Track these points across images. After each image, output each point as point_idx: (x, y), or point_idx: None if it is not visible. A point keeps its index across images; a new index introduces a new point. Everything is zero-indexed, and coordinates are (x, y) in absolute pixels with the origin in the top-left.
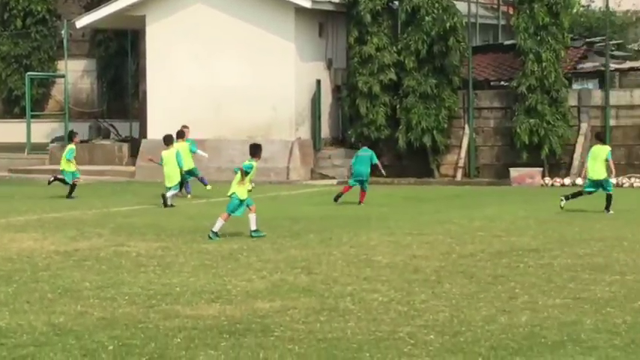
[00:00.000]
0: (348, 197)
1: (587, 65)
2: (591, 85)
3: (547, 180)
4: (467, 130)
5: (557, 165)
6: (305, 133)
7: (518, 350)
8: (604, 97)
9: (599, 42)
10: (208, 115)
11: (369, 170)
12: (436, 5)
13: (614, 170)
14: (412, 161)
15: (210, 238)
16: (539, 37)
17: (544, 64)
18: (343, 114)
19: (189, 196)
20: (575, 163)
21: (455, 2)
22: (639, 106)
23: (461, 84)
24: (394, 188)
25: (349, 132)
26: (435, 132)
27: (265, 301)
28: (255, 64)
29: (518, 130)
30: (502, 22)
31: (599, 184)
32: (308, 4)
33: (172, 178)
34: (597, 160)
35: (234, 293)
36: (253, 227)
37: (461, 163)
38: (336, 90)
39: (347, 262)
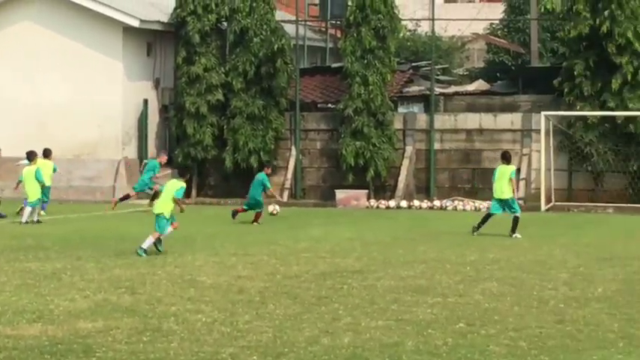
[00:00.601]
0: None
1: (413, 89)
2: (417, 108)
3: (372, 202)
4: (293, 152)
5: (383, 187)
6: (132, 152)
7: None
8: (429, 121)
9: (424, 66)
10: (33, 132)
11: (259, 192)
12: (264, 27)
13: (516, 190)
14: (239, 182)
15: (138, 254)
16: (365, 61)
17: (370, 87)
18: (170, 134)
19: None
20: (401, 185)
21: (283, 24)
22: (463, 130)
23: (288, 106)
24: (221, 209)
25: (176, 152)
26: (261, 153)
27: (88, 321)
28: (82, 82)
29: (344, 152)
30: (330, 44)
31: (504, 204)
32: (136, 24)
33: (31, 194)
34: (503, 180)
35: (57, 313)
36: (145, 246)
37: (287, 184)
38: (164, 110)
39: (171, 283)
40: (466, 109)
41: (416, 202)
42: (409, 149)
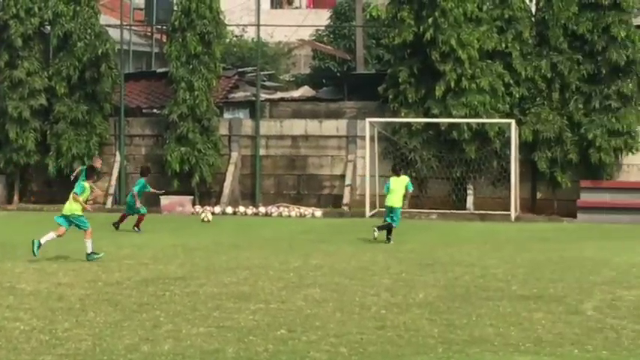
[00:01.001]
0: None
1: (239, 95)
2: (242, 114)
3: (197, 208)
4: (118, 157)
5: (208, 193)
6: None
7: None
8: (254, 127)
9: (250, 72)
10: None
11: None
12: (88, 31)
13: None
14: (62, 187)
15: (93, 259)
16: (191, 66)
17: (196, 92)
18: None
19: None
20: (226, 191)
21: (108, 29)
22: (289, 136)
23: (112, 111)
24: (43, 215)
25: None
26: (85, 159)
27: None
28: None
29: (169, 157)
30: (155, 49)
31: (390, 211)
32: None
33: None
34: (396, 193)
35: None
36: (89, 251)
37: (111, 190)
38: None
39: None
40: (292, 115)
41: (241, 209)
42: (235, 155)
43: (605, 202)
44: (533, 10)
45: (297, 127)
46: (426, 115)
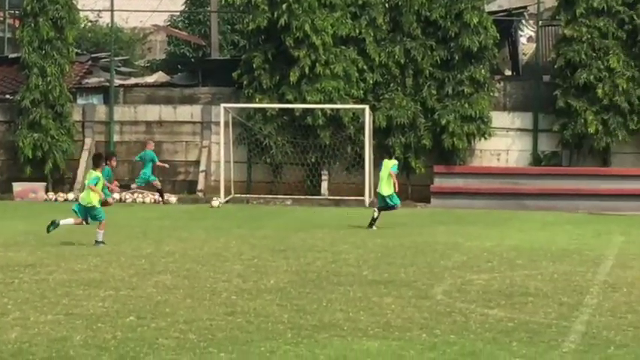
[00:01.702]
0: None
1: (93, 80)
2: (96, 100)
3: (51, 195)
4: None
5: (62, 180)
6: None
7: None
8: (108, 113)
9: (105, 57)
10: None
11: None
12: None
13: (396, 184)
14: None
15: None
16: (43, 51)
17: (49, 78)
18: None
19: None
20: (80, 178)
21: None
22: (143, 122)
23: None
24: None
25: None
26: None
27: None
28: None
29: (21, 144)
30: (8, 34)
31: (384, 199)
32: None
33: None
34: (383, 178)
35: None
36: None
37: None
38: None
39: None
40: (146, 100)
41: None
42: (88, 141)
43: (458, 188)
44: None
45: (152, 112)
46: (280, 101)
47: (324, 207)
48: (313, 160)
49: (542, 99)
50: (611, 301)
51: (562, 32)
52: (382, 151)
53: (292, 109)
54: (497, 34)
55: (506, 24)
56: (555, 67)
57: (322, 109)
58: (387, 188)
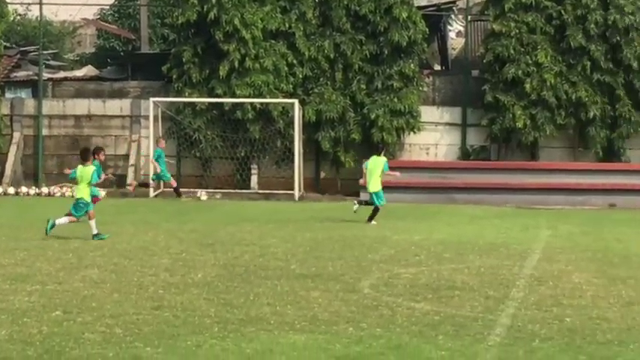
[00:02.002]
0: None
1: (21, 74)
2: (24, 94)
3: None
4: None
5: None
6: None
7: None
8: (37, 107)
9: (33, 51)
10: None
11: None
12: None
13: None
14: None
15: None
16: None
17: None
18: None
19: None
20: (8, 172)
21: None
22: (72, 116)
23: None
24: None
25: None
26: None
27: None
28: None
29: None
30: None
31: (371, 195)
32: None
33: None
34: (373, 174)
35: None
36: (95, 232)
37: None
38: None
39: None
40: (75, 94)
41: (23, 189)
42: (17, 135)
43: (387, 182)
44: None
45: (80, 106)
46: (210, 95)
47: (254, 201)
48: (243, 154)
49: (471, 94)
50: (536, 294)
51: (491, 27)
52: (312, 145)
53: (222, 104)
54: (427, 29)
55: (436, 19)
56: (484, 61)
57: (252, 103)
58: (375, 185)
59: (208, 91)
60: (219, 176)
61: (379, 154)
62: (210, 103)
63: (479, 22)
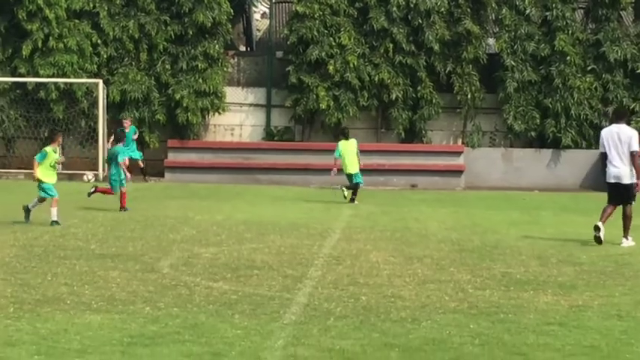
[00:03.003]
0: None
1: None
2: None
3: None
4: None
5: None
6: None
7: None
8: None
9: None
10: None
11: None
12: None
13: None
14: None
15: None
16: None
17: None
18: None
19: None
20: None
21: None
22: None
23: None
24: None
25: None
26: None
27: None
28: None
29: None
30: None
31: (350, 177)
32: None
33: None
34: (349, 156)
35: None
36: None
37: None
38: None
39: None
40: None
41: None
42: None
43: (192, 162)
44: None
45: None
46: (13, 75)
47: (59, 181)
48: (46, 133)
49: (276, 75)
50: (334, 273)
51: (295, 9)
52: (116, 125)
53: (25, 83)
54: (231, 10)
55: (241, 0)
56: (288, 43)
57: (55, 83)
58: (353, 166)
59: (11, 70)
60: (23, 156)
61: (347, 139)
62: (13, 83)
63: (283, 4)
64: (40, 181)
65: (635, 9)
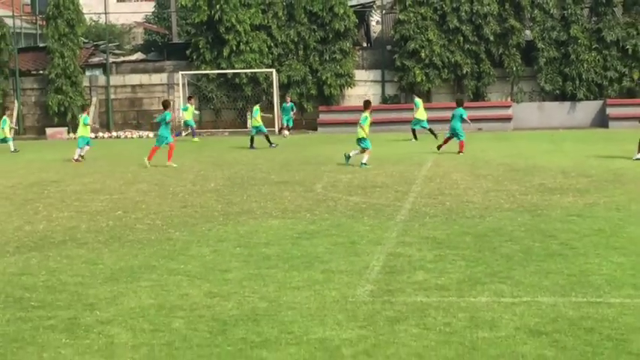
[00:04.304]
0: None
1: (95, 60)
2: (98, 72)
3: (71, 135)
4: (16, 104)
5: (77, 125)
6: None
7: (34, 247)
8: (107, 80)
9: (102, 44)
10: None
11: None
12: None
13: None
14: None
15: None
16: (62, 42)
17: (66, 59)
18: None
19: None
20: (91, 123)
21: (4, 18)
22: (129, 85)
23: (10, 73)
24: None
25: None
26: None
27: None
28: None
29: (50, 103)
30: (40, 31)
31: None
32: None
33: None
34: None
35: None
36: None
37: (14, 124)
38: None
39: None
40: (131, 71)
41: (100, 134)
42: (94, 99)
43: (334, 120)
44: None
45: (135, 79)
46: (218, 68)
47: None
48: (240, 106)
49: (387, 61)
50: (428, 187)
51: (397, 17)
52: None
53: (226, 74)
54: (357, 20)
55: (362, 13)
56: (394, 40)
57: (245, 73)
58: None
59: (216, 66)
60: (227, 120)
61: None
62: (218, 74)
63: (390, 14)
64: (359, 139)
65: (624, 5)
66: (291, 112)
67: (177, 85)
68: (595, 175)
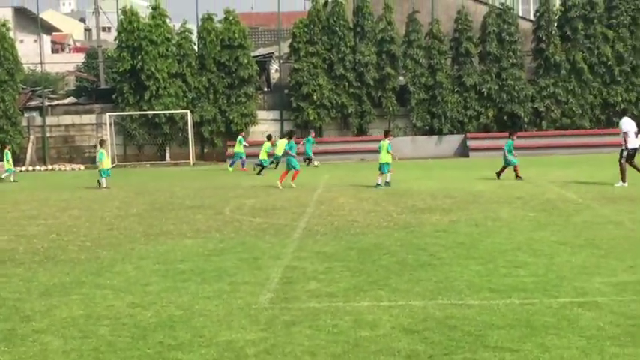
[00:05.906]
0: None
1: (33, 103)
2: (35, 114)
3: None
4: None
5: (18, 159)
6: None
7: None
8: (43, 121)
9: (39, 90)
10: None
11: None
12: None
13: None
14: None
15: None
16: (2, 88)
17: (7, 102)
18: None
19: None
20: (28, 158)
21: None
22: (63, 125)
23: None
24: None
25: None
26: None
27: None
28: None
29: None
30: None
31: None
32: None
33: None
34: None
35: None
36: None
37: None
38: None
39: None
40: (64, 113)
41: (37, 167)
42: (32, 137)
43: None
44: None
45: (67, 120)
46: (140, 110)
47: (168, 167)
48: (161, 141)
49: (284, 102)
50: (319, 209)
51: (293, 66)
52: (199, 135)
53: (147, 114)
54: (258, 68)
55: (263, 62)
56: (290, 84)
57: (164, 114)
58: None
59: (139, 107)
60: (149, 154)
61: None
62: (140, 115)
63: (287, 63)
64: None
65: (480, 56)
66: (312, 145)
67: (105, 124)
68: (458, 197)
